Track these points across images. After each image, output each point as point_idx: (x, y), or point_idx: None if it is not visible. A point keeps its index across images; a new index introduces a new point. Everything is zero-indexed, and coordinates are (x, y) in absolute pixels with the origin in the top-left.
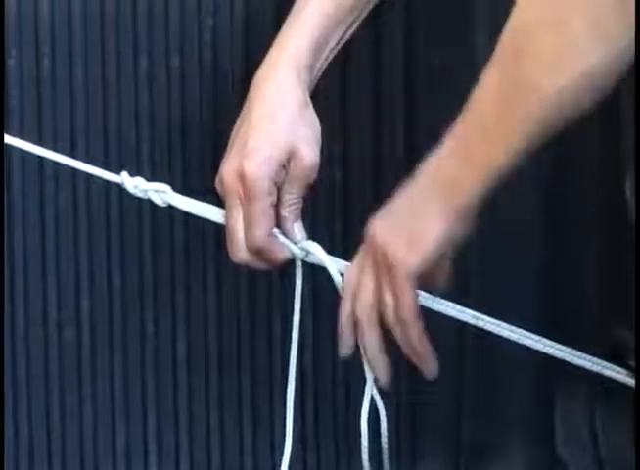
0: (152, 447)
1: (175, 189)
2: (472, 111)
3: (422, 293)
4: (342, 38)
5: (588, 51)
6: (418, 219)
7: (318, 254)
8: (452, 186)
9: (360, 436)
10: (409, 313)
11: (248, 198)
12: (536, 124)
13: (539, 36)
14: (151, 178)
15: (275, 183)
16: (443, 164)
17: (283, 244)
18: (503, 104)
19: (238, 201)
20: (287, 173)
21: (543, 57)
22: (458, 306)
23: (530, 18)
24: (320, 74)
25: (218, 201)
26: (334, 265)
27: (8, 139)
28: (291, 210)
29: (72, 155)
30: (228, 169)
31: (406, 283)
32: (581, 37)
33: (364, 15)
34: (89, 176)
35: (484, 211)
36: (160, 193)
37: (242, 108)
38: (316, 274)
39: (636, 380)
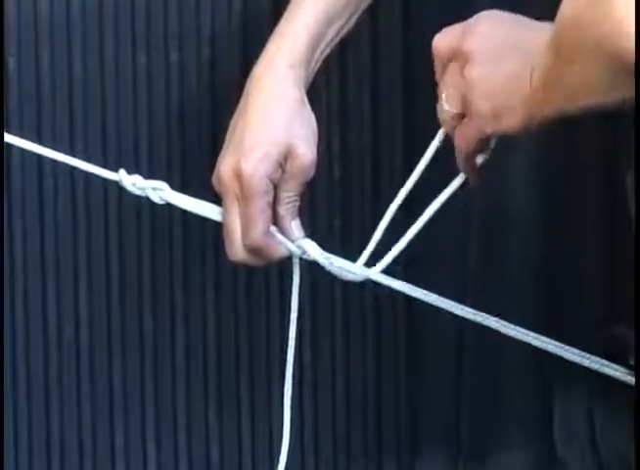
0: (150, 446)
1: (173, 187)
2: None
3: (422, 291)
4: (338, 34)
5: None
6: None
7: (312, 252)
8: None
9: None
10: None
11: (245, 196)
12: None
13: None
14: (149, 176)
15: (272, 181)
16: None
17: (280, 242)
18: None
19: (235, 199)
20: (284, 171)
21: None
22: (457, 304)
23: None
24: (316, 69)
25: (216, 198)
26: (329, 262)
27: (7, 138)
28: (288, 208)
29: (71, 153)
30: (225, 168)
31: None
32: None
33: (360, 11)
34: (88, 174)
35: (484, 210)
36: (158, 191)
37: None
38: (314, 272)
39: (636, 379)
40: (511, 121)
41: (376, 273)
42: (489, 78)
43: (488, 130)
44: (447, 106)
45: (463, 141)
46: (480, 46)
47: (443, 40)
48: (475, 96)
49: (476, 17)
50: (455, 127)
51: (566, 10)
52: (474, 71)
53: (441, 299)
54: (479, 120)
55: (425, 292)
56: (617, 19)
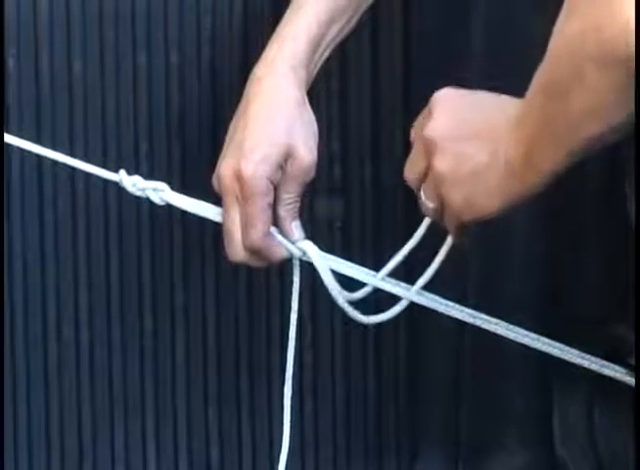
0: (150, 445)
1: (173, 187)
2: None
3: (424, 293)
4: (338, 35)
5: None
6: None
7: (312, 254)
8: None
9: None
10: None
11: (245, 198)
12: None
13: None
14: (149, 176)
15: (272, 183)
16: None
17: (280, 243)
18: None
19: (235, 200)
20: (284, 173)
21: None
22: (457, 305)
23: None
24: (317, 71)
25: (216, 199)
26: (326, 266)
27: (7, 138)
28: (288, 209)
29: (71, 153)
30: (225, 169)
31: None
32: None
33: (361, 12)
34: (88, 175)
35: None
36: (159, 191)
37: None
38: (315, 273)
39: (636, 379)
40: (487, 206)
41: (384, 280)
42: (455, 169)
43: (466, 218)
44: (426, 201)
45: (448, 228)
46: (439, 134)
47: (414, 130)
48: (444, 189)
49: (431, 99)
50: (441, 218)
51: (567, 19)
52: (437, 164)
53: (444, 302)
54: (454, 211)
55: (427, 294)
56: (624, 21)
